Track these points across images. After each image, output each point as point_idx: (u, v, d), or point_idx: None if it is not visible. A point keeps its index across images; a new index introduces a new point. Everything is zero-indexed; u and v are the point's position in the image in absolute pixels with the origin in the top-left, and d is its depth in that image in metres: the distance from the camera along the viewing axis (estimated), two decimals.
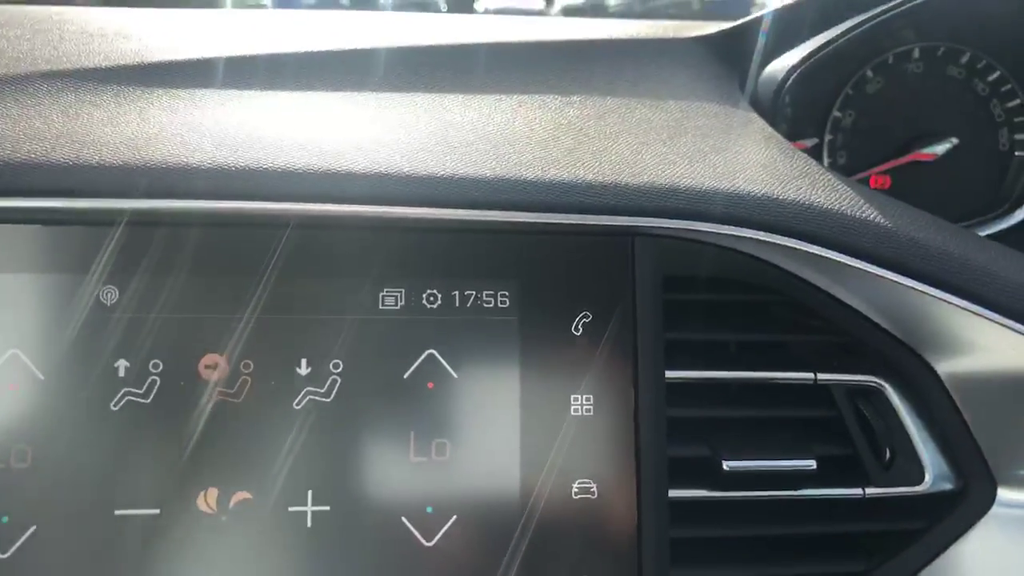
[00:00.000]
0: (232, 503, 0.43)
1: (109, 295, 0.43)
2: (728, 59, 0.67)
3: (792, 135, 0.71)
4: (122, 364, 0.43)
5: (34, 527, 0.41)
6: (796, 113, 0.73)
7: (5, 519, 0.41)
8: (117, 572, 0.42)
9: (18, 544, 0.41)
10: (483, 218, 0.45)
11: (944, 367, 0.49)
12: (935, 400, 0.49)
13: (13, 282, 0.43)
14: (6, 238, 0.43)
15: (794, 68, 0.64)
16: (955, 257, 0.47)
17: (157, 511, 0.42)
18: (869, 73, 0.72)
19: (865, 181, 0.74)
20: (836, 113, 0.75)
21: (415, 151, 0.47)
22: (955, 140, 0.75)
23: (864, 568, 0.49)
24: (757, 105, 0.67)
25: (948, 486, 0.50)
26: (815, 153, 0.74)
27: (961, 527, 0.49)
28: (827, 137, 0.75)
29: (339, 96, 0.54)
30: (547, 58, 0.62)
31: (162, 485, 0.43)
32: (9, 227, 0.43)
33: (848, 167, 0.75)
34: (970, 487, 0.50)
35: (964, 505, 0.49)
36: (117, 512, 0.42)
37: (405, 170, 0.45)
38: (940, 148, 0.75)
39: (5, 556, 0.41)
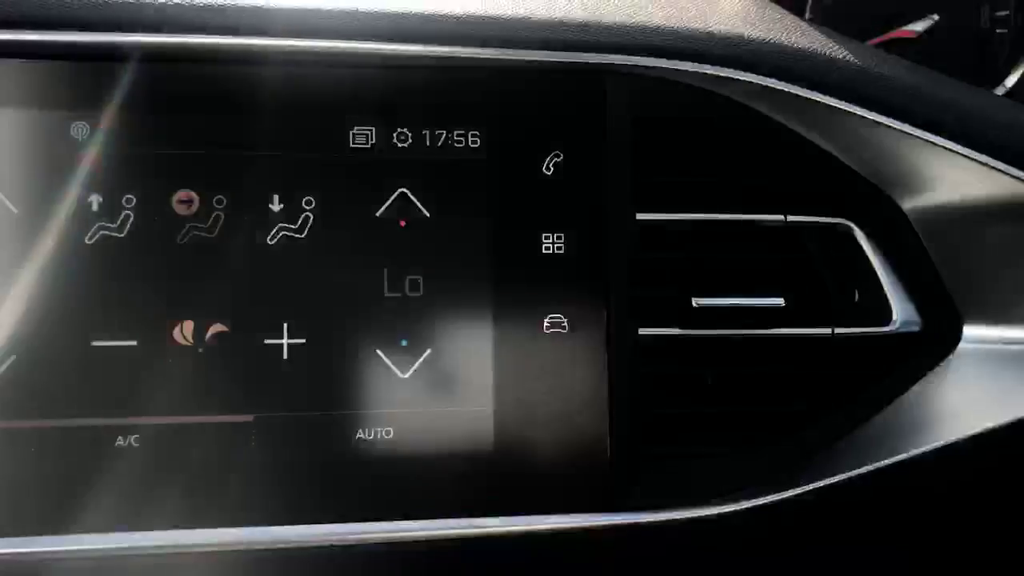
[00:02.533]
0: (208, 335, 0.44)
1: (80, 130, 0.43)
2: None
3: None
4: (95, 199, 0.43)
5: (14, 356, 0.42)
6: None
7: None
8: (95, 399, 0.43)
9: None
10: (454, 54, 0.45)
11: (910, 204, 0.50)
12: (902, 239, 0.50)
13: None
14: None
15: None
16: (922, 91, 0.47)
17: (134, 343, 0.43)
18: None
19: None
20: None
21: None
22: (936, 17, 0.74)
23: (831, 406, 0.50)
24: None
25: (915, 328, 0.51)
26: None
27: (928, 364, 0.50)
28: (807, 16, 0.75)
29: None
30: None
31: (138, 317, 0.43)
32: None
33: None
34: (936, 326, 0.51)
35: (930, 343, 0.50)
36: (94, 343, 0.43)
37: (374, 5, 0.45)
38: (921, 25, 0.74)
39: None
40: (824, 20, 0.74)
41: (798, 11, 0.74)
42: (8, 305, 0.42)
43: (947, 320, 0.50)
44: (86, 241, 0.43)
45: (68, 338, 0.43)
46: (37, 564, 0.42)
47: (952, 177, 0.47)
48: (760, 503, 0.47)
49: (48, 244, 0.43)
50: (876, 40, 0.74)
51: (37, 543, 0.42)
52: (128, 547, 0.42)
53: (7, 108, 0.43)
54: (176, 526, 0.43)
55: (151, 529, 0.43)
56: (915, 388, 0.50)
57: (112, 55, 0.43)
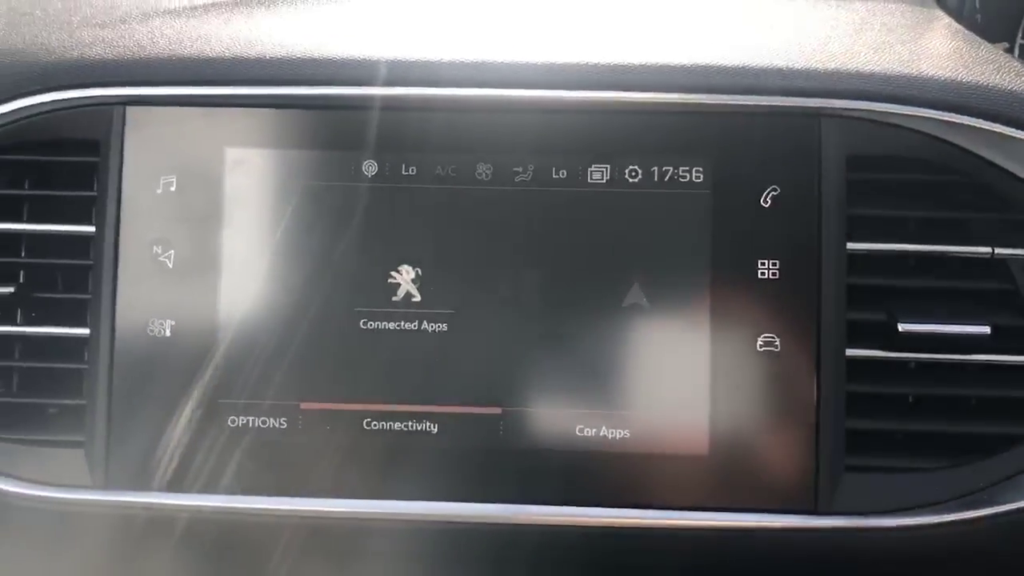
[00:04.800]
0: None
1: (370, 167, 0.53)
2: None
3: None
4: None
5: (300, 344, 0.52)
6: (985, 17, 0.73)
7: None
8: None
9: None
10: (683, 100, 0.51)
11: None
12: None
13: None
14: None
15: None
16: None
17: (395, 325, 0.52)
18: None
19: None
20: None
21: (625, 42, 0.53)
22: None
23: None
24: (945, 9, 0.69)
25: None
26: None
27: None
28: (1019, 41, 0.76)
29: None
30: None
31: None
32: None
33: None
34: None
35: None
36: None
37: (616, 59, 0.52)
38: None
39: None
40: None
41: (1010, 35, 0.75)
42: (290, 303, 0.52)
43: None
44: None
45: (336, 317, 0.52)
46: (337, 523, 0.52)
47: None
48: (961, 517, 0.50)
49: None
50: None
51: (322, 504, 0.52)
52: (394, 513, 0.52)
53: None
54: (437, 499, 0.51)
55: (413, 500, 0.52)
56: None
57: (397, 106, 0.52)
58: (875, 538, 0.51)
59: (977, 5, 0.74)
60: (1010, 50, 0.75)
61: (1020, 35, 0.75)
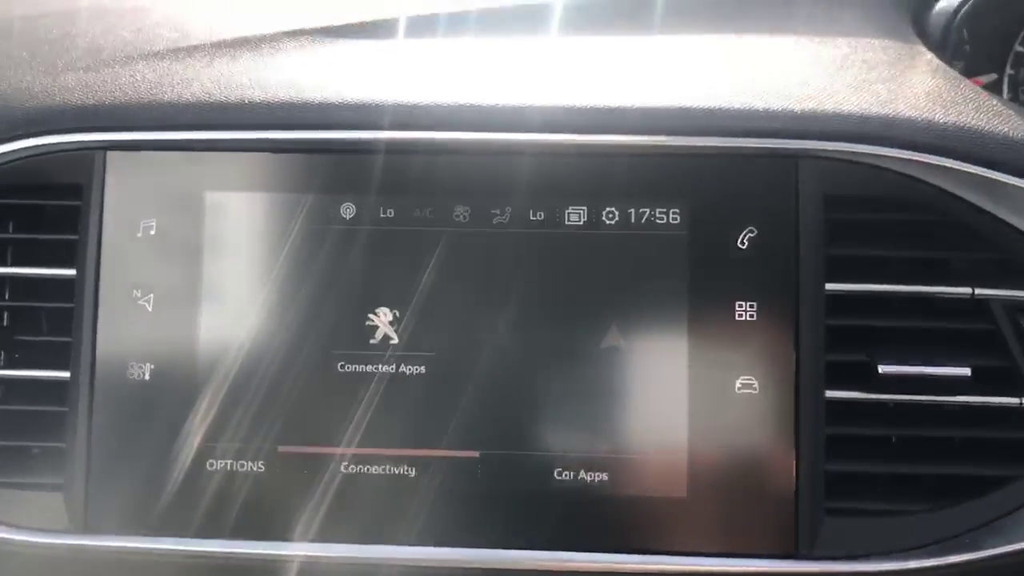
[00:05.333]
0: None
1: (348, 209, 0.53)
2: None
3: (969, 71, 0.71)
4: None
5: (285, 392, 0.52)
6: (974, 48, 0.73)
7: None
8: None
9: None
10: (660, 143, 0.51)
11: None
12: None
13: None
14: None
15: (964, 1, 0.65)
16: None
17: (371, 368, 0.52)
18: None
19: None
20: (1019, 48, 0.74)
21: (600, 85, 0.53)
22: None
23: (1019, 474, 0.51)
24: (931, 40, 0.69)
25: None
26: (995, 88, 0.74)
27: None
28: (1008, 72, 0.75)
29: (519, 41, 0.62)
30: None
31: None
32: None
33: None
34: None
35: None
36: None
37: (592, 102, 0.52)
38: None
39: None
40: None
41: (999, 66, 0.75)
42: (268, 346, 0.52)
43: None
44: None
45: (314, 360, 0.52)
46: (314, 567, 0.52)
47: None
48: (942, 563, 0.49)
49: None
50: None
51: (300, 548, 0.51)
52: (379, 558, 0.51)
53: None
54: (420, 543, 0.51)
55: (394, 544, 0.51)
56: None
57: (375, 149, 0.52)
58: None
59: (966, 36, 0.74)
60: (999, 81, 0.74)
61: (1008, 66, 0.75)
